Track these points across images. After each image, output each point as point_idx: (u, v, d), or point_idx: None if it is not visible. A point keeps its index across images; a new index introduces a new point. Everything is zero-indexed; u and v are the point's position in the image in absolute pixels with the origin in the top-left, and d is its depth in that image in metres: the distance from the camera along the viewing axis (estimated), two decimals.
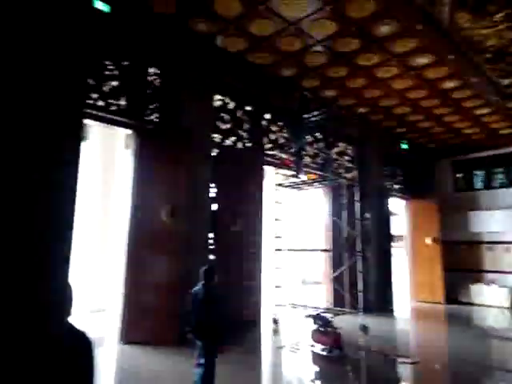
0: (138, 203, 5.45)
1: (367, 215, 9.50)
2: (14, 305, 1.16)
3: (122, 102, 5.70)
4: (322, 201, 8.74)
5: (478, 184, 11.64)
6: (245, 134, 7.39)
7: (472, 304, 10.28)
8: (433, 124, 9.87)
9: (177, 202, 5.45)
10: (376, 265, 9.49)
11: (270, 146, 7.80)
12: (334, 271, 6.47)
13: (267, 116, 7.90)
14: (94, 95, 5.39)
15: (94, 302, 7.35)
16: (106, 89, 5.54)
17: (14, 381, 1.14)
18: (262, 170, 7.32)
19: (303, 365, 4.91)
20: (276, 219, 7.09)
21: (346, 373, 4.74)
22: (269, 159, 7.46)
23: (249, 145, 7.41)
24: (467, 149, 11.50)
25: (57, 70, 1.33)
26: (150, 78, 6.14)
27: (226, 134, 7.06)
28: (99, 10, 5.22)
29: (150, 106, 6.06)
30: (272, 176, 7.20)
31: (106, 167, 7.94)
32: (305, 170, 7.29)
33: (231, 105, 7.26)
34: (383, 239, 9.82)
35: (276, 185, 7.14)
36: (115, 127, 5.85)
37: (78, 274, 7.29)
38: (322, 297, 8.40)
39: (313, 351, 5.26)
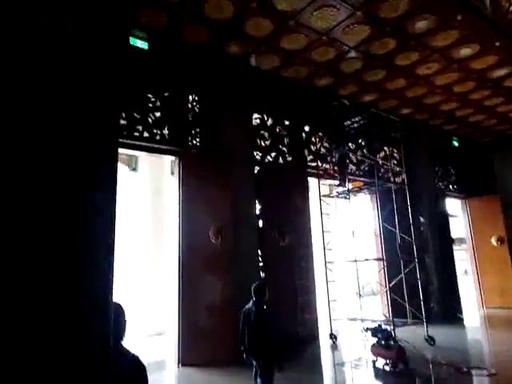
0: (187, 226, 5.61)
1: (422, 219, 9.03)
2: (63, 332, 1.22)
3: (166, 131, 5.98)
4: (372, 208, 8.45)
5: None
6: (285, 149, 7.41)
7: None
8: (485, 116, 9.26)
9: (223, 221, 5.54)
10: (437, 271, 8.94)
11: (311, 157, 7.74)
12: (390, 281, 6.17)
13: (306, 128, 7.87)
14: (139, 127, 5.71)
15: (152, 325, 7.59)
16: (150, 120, 5.85)
17: None
18: (305, 182, 7.26)
19: (367, 382, 4.69)
20: (325, 231, 6.95)
21: None
22: (312, 171, 7.39)
23: (290, 159, 7.41)
24: None
25: (93, 102, 1.43)
26: (190, 105, 6.40)
27: (266, 151, 7.12)
28: (139, 48, 5.56)
29: (192, 132, 6.29)
30: (317, 188, 7.10)
31: (155, 194, 8.29)
32: (350, 178, 7.12)
33: (270, 121, 7.33)
34: (442, 243, 9.25)
35: (322, 196, 7.03)
36: (161, 155, 6.13)
37: (135, 299, 7.59)
38: (379, 308, 8.03)
39: (376, 366, 5.01)
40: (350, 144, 8.48)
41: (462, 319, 8.55)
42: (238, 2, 4.93)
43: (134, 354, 1.76)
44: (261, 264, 6.41)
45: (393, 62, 6.60)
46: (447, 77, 7.22)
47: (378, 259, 6.95)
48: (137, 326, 7.24)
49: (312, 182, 7.52)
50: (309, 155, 7.74)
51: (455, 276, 9.18)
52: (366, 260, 6.70)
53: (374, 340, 5.15)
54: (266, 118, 7.27)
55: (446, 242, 9.32)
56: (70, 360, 1.23)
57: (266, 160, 7.08)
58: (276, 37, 5.73)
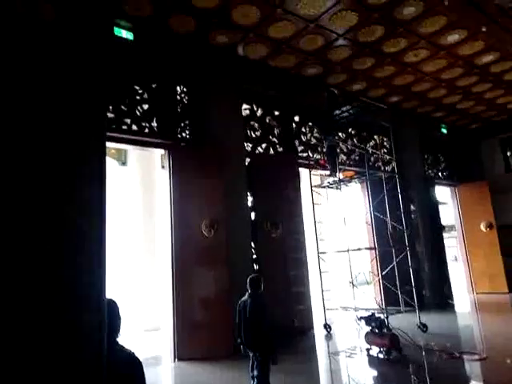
0: (178, 220, 5.54)
1: (412, 207, 9.09)
2: (56, 331, 1.18)
3: (154, 124, 5.87)
4: (363, 198, 8.47)
5: None
6: (276, 140, 7.35)
7: None
8: (473, 103, 9.31)
9: (216, 214, 5.49)
10: (428, 258, 9.05)
11: (302, 148, 7.70)
12: (382, 269, 6.21)
13: (296, 118, 7.82)
14: (128, 120, 5.59)
15: (148, 321, 7.54)
16: (138, 113, 5.73)
17: None
18: (296, 173, 7.22)
19: (362, 370, 4.72)
20: (317, 221, 6.95)
21: (408, 375, 4.50)
22: (303, 161, 7.36)
23: (280, 149, 7.36)
24: None
25: (77, 94, 1.37)
26: (178, 97, 6.28)
27: (257, 142, 7.06)
28: (124, 39, 5.42)
29: (181, 124, 6.19)
30: (308, 178, 7.07)
31: (146, 189, 8.17)
32: (340, 167, 7.11)
33: (259, 112, 7.26)
34: (433, 230, 9.35)
35: (314, 186, 7.01)
36: (150, 149, 6.02)
37: (129, 294, 7.53)
38: (372, 297, 8.10)
39: (370, 355, 5.05)
40: (340, 133, 8.45)
41: (454, 305, 8.68)
42: None
43: (129, 351, 1.72)
44: (254, 256, 6.39)
45: (381, 50, 6.56)
46: (435, 63, 7.21)
47: (371, 248, 6.98)
48: (132, 321, 7.19)
49: (303, 172, 7.49)
50: (299, 146, 7.70)
51: (446, 263, 9.30)
52: (359, 249, 6.72)
53: (368, 328, 5.19)
54: (255, 109, 7.19)
55: (436, 230, 9.42)
56: (65, 358, 1.19)
57: (257, 151, 7.02)
58: (263, 25, 5.64)
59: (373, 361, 4.92)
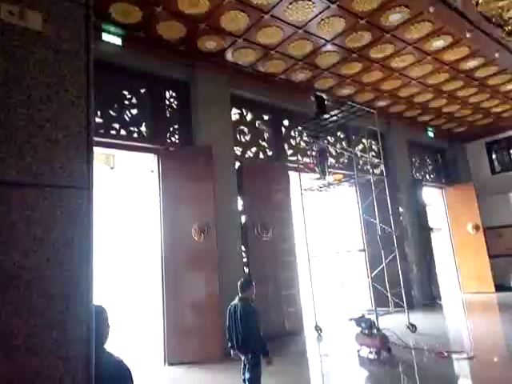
0: (168, 225, 5.54)
1: (401, 209, 9.22)
2: (40, 340, 1.17)
3: (143, 129, 5.87)
4: (353, 200, 8.56)
5: None
6: (265, 144, 7.41)
7: None
8: (458, 107, 9.50)
9: (206, 218, 5.50)
10: (416, 260, 9.18)
11: (291, 151, 7.77)
12: (372, 271, 6.28)
13: (286, 123, 7.89)
14: (116, 125, 5.59)
15: (140, 325, 7.48)
16: (126, 118, 5.73)
17: None
18: (287, 176, 7.28)
19: (352, 371, 4.77)
20: (308, 224, 7.01)
21: (397, 375, 4.56)
22: (292, 165, 7.42)
23: (270, 154, 7.42)
24: (499, 128, 10.96)
25: (65, 97, 1.38)
26: (167, 102, 6.30)
27: (247, 146, 7.11)
28: (112, 44, 5.42)
29: (171, 129, 6.21)
30: (298, 181, 7.13)
31: (135, 193, 8.13)
32: (330, 171, 7.18)
33: (249, 116, 7.31)
34: (421, 232, 9.50)
35: (303, 190, 7.07)
36: (139, 153, 6.02)
37: (119, 299, 7.48)
38: (363, 298, 8.18)
39: (360, 356, 5.10)
40: (329, 137, 8.55)
41: (442, 305, 8.81)
42: None
43: (118, 358, 1.72)
44: (245, 259, 6.41)
45: (368, 55, 6.68)
46: (421, 69, 7.36)
47: (360, 250, 7.05)
48: (123, 326, 7.13)
49: (293, 176, 7.55)
50: (289, 149, 7.77)
51: (434, 264, 9.44)
52: (349, 252, 6.79)
53: (358, 330, 5.24)
54: (245, 113, 7.25)
55: (424, 231, 9.56)
56: (51, 367, 1.18)
57: (247, 155, 7.06)
58: (252, 31, 5.70)
59: (363, 361, 4.97)
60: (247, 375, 3.47)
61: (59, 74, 1.38)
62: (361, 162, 9.01)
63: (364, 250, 6.47)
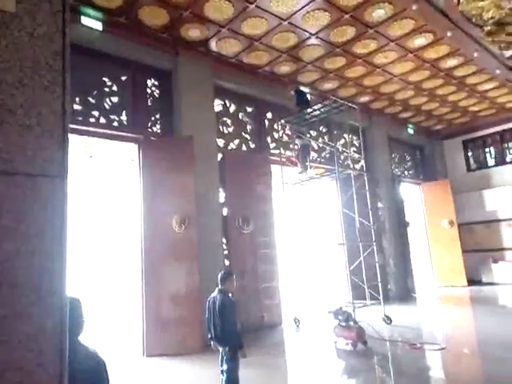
0: (149, 215, 5.48)
1: (380, 204, 9.39)
2: (13, 332, 1.14)
3: (124, 117, 5.75)
4: (333, 195, 8.66)
5: (491, 161, 11.38)
6: (248, 136, 7.38)
7: (496, 284, 10.07)
8: (437, 105, 9.70)
9: (187, 210, 5.45)
10: (393, 253, 9.39)
11: (274, 145, 7.77)
12: (351, 264, 6.39)
13: (269, 115, 7.87)
14: (95, 113, 5.44)
15: (119, 317, 7.40)
16: (106, 105, 5.59)
17: None
18: (269, 169, 7.29)
19: (328, 362, 4.86)
20: (288, 218, 7.05)
21: (372, 366, 4.68)
22: (275, 158, 7.43)
23: (253, 146, 7.40)
24: (476, 126, 11.27)
25: (40, 84, 1.33)
26: (149, 90, 6.18)
27: (229, 138, 7.06)
28: (91, 28, 5.26)
29: (152, 118, 6.10)
30: (280, 175, 7.15)
31: (115, 182, 7.99)
32: (311, 165, 7.23)
33: (232, 108, 7.25)
34: (398, 227, 9.71)
35: (285, 183, 7.10)
36: (119, 142, 5.89)
37: (97, 291, 7.36)
38: (342, 291, 8.32)
39: (337, 347, 5.21)
40: (312, 131, 8.59)
41: (416, 298, 9.07)
42: None
43: (93, 350, 1.69)
44: (226, 252, 6.41)
45: (352, 50, 6.71)
46: (403, 66, 7.46)
47: (340, 244, 7.16)
48: (101, 318, 7.03)
49: (275, 169, 7.56)
50: (272, 142, 7.77)
51: (410, 258, 9.68)
52: (329, 245, 6.88)
53: (336, 322, 5.34)
54: (228, 105, 7.18)
55: (401, 226, 9.78)
56: (24, 360, 1.15)
57: (229, 147, 7.02)
58: (236, 21, 5.63)
59: (340, 353, 5.07)
60: (225, 366, 3.49)
61: (33, 59, 1.32)
62: (342, 157, 9.10)
63: (343, 244, 6.57)
